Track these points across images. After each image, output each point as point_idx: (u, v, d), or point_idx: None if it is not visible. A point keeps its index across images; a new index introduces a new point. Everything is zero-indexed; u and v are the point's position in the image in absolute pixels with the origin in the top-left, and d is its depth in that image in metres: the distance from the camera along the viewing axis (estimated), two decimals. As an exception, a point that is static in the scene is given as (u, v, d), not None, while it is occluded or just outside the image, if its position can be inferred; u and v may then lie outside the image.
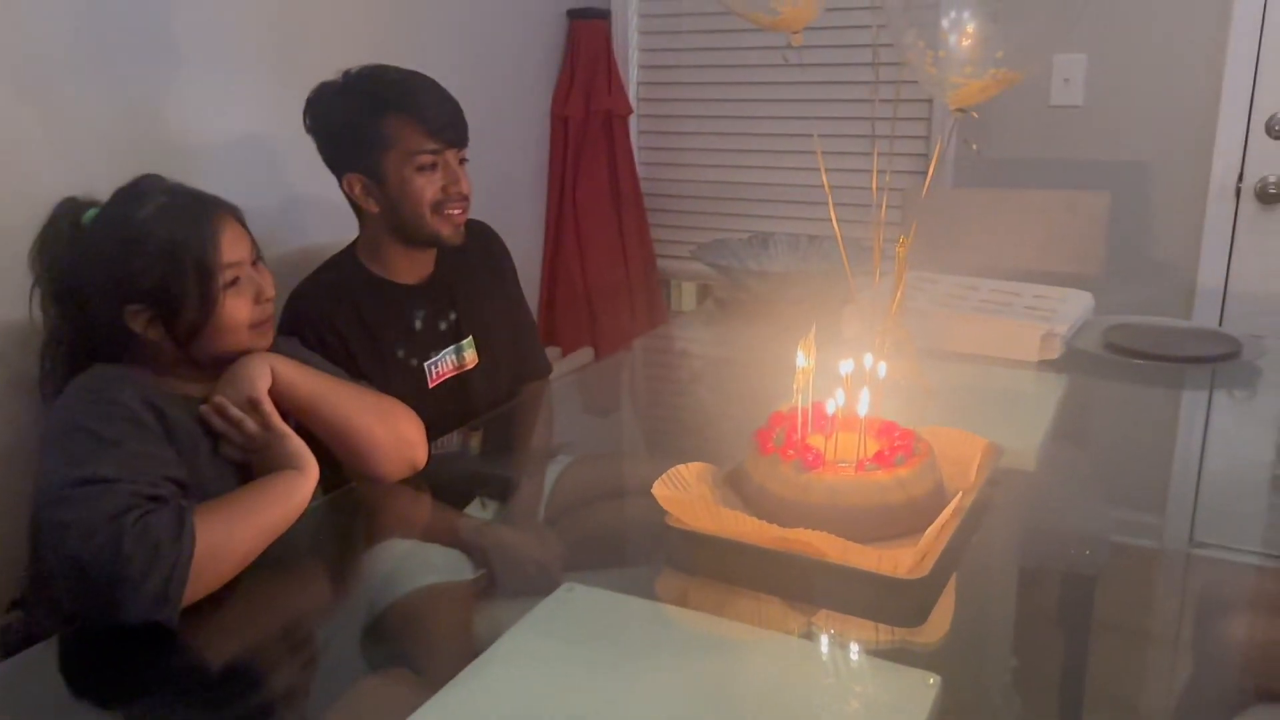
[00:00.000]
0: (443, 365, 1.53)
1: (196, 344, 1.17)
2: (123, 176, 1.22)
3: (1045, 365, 1.66)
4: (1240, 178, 2.31)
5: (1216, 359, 1.64)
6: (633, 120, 2.98)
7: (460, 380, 1.55)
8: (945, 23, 1.23)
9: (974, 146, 1.44)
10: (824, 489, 1.07)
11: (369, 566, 1.25)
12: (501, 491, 1.48)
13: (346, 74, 1.47)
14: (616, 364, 2.00)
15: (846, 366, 1.20)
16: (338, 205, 1.53)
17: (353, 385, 1.28)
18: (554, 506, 1.51)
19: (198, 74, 1.78)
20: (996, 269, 2.11)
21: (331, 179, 1.51)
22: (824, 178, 1.52)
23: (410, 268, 1.53)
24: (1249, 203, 2.32)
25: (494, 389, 1.59)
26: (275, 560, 1.10)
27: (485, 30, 2.59)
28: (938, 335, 1.73)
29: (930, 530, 1.01)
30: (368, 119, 1.43)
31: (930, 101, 2.56)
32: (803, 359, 1.16)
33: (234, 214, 1.22)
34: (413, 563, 1.26)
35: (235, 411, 1.16)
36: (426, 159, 1.45)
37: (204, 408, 1.18)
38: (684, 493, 1.11)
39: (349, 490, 1.30)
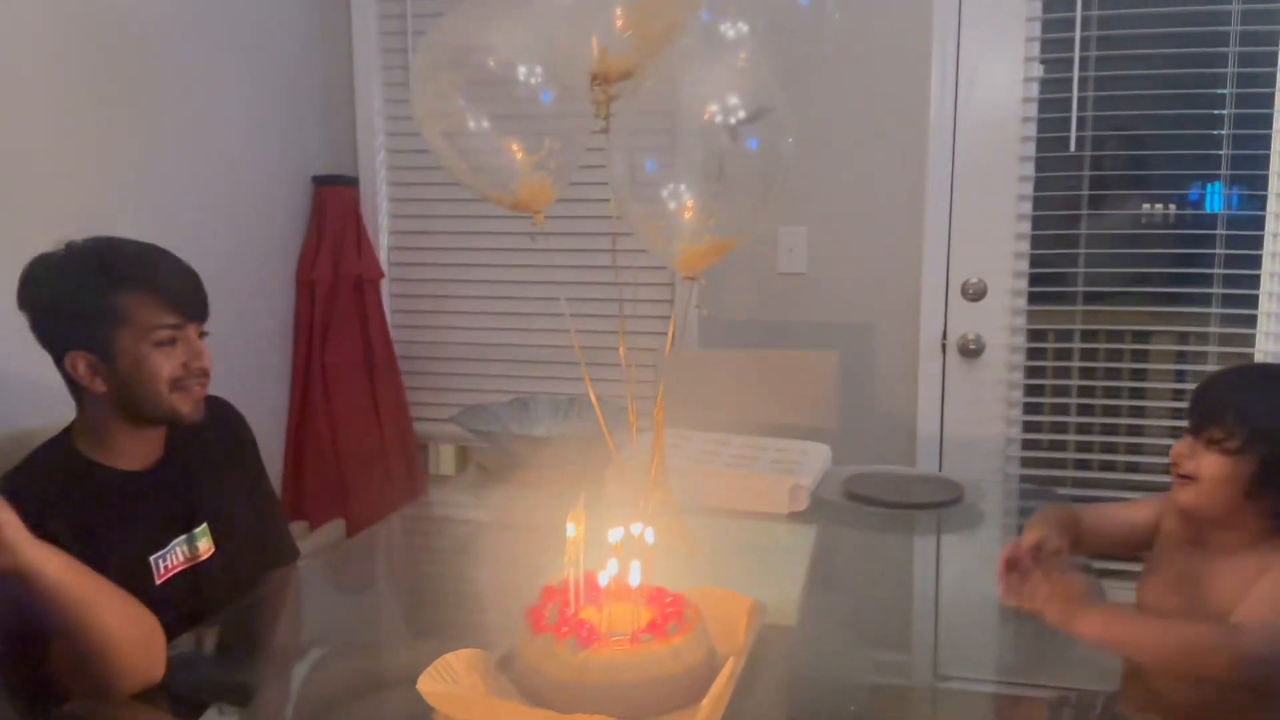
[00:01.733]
0: (173, 558, 1.38)
1: None
2: None
3: (795, 517, 1.74)
4: (945, 335, 2.59)
5: (943, 504, 1.78)
6: (386, 284, 2.95)
7: (193, 573, 1.41)
8: (665, 194, 1.33)
9: (705, 311, 1.54)
10: (600, 667, 1.05)
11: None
12: (242, 697, 1.34)
13: (70, 245, 1.36)
14: (373, 537, 1.89)
15: (616, 534, 1.20)
16: (50, 385, 1.38)
17: (106, 583, 1.13)
18: (303, 710, 1.38)
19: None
20: (741, 425, 2.22)
21: (44, 356, 1.37)
22: (575, 342, 1.56)
23: (137, 452, 1.39)
24: (954, 357, 2.60)
25: (233, 581, 1.45)
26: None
27: (226, 195, 2.50)
28: (693, 492, 1.77)
29: (706, 702, 1.00)
30: (99, 293, 1.32)
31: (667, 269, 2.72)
32: (572, 529, 1.15)
33: None
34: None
35: None
36: (165, 334, 1.35)
37: None
38: (453, 686, 1.05)
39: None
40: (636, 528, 1.21)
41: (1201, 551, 1.28)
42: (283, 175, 2.75)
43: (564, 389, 2.74)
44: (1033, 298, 2.54)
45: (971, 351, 2.57)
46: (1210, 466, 1.23)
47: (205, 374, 1.39)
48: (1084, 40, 2.37)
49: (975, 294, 2.56)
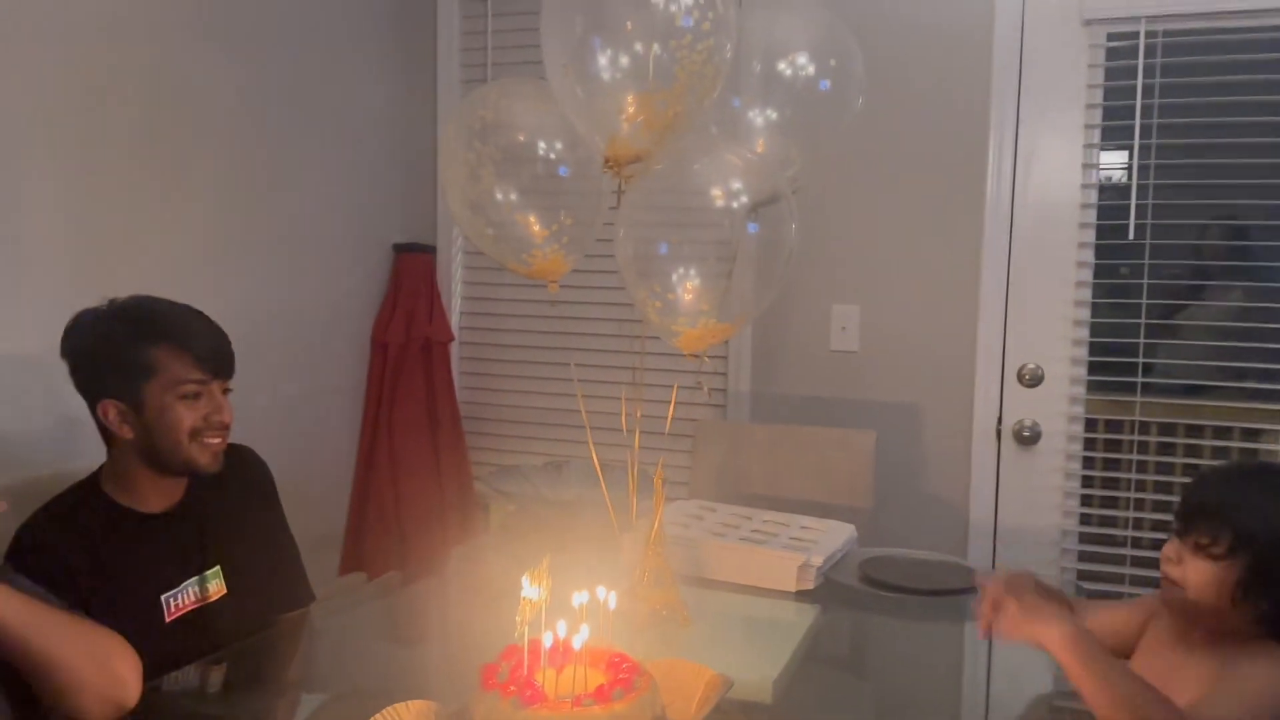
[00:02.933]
0: (183, 598, 1.48)
1: None
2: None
3: (802, 595, 1.72)
4: (1000, 421, 2.54)
5: (957, 592, 1.74)
6: (455, 347, 3.08)
7: (203, 613, 1.50)
8: (666, 275, 1.37)
9: (707, 390, 1.57)
10: (538, 726, 1.07)
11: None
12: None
13: (112, 302, 1.50)
14: (383, 589, 1.95)
15: (580, 598, 1.23)
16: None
17: (62, 615, 1.22)
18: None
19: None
20: (775, 500, 2.22)
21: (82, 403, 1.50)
22: (582, 407, 1.61)
23: (158, 495, 1.51)
24: (1009, 444, 2.54)
25: (242, 621, 1.53)
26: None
27: (312, 260, 2.69)
28: (704, 564, 1.79)
29: (630, 768, 1.01)
30: (134, 347, 1.45)
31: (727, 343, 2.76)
32: (531, 590, 1.19)
33: None
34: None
35: None
36: (191, 388, 1.46)
37: None
38: (397, 732, 1.09)
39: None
40: (601, 592, 1.24)
41: (1187, 649, 1.23)
42: (366, 242, 2.92)
43: (620, 456, 2.78)
44: (1092, 386, 2.47)
45: (1026, 439, 2.51)
46: (1196, 572, 1.18)
47: (225, 427, 1.50)
48: (1144, 128, 2.33)
49: (1032, 380, 2.51)
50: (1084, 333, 2.46)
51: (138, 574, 1.44)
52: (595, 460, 1.66)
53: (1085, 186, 2.43)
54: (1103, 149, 2.43)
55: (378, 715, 1.10)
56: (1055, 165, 2.46)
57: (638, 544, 1.73)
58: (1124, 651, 1.34)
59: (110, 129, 2.07)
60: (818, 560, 1.76)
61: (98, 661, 1.21)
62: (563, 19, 1.32)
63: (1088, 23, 2.39)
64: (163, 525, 1.50)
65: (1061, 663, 1.14)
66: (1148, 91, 2.32)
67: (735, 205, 1.39)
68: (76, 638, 1.21)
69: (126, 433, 1.45)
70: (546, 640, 1.15)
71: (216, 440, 1.49)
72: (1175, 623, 1.27)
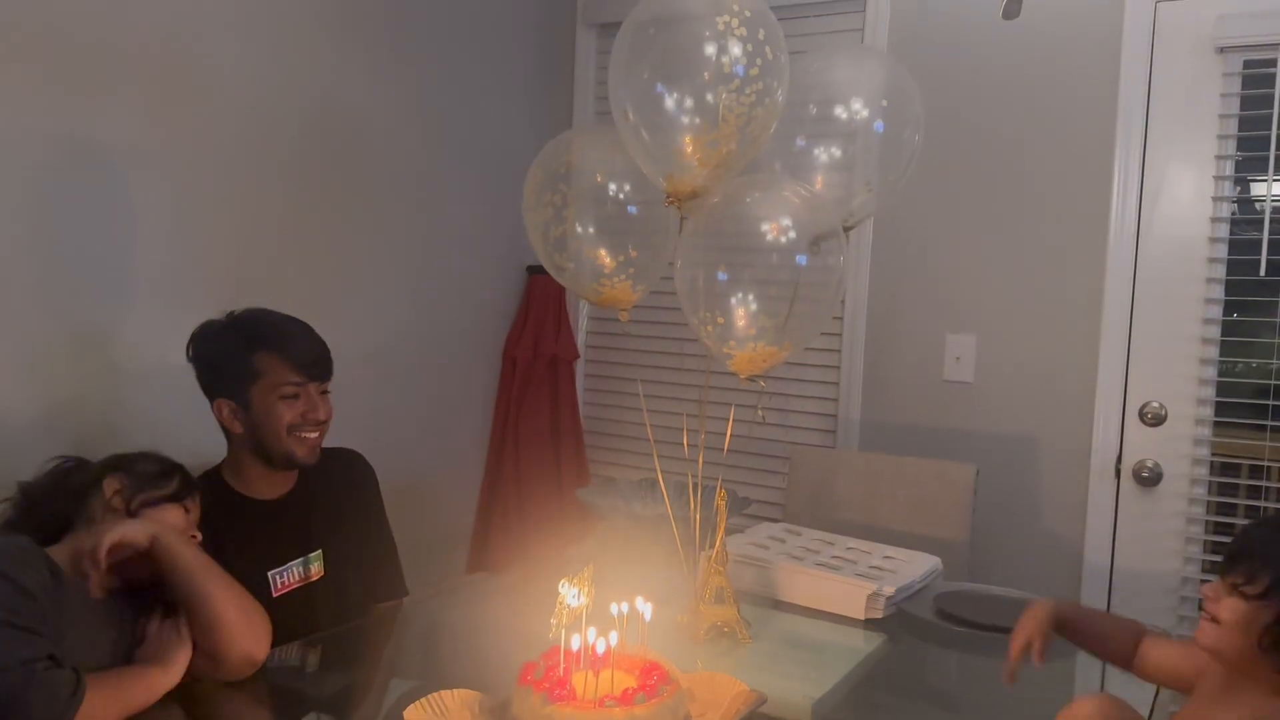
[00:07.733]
0: (289, 576, 1.67)
1: None
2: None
3: (872, 624, 1.74)
4: (1119, 460, 2.45)
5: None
6: (581, 364, 3.23)
7: (306, 591, 1.68)
8: (727, 304, 1.44)
9: (762, 416, 1.62)
10: (562, 721, 1.17)
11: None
12: (337, 709, 1.56)
13: (230, 314, 1.71)
14: (474, 588, 2.07)
15: (620, 608, 1.32)
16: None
17: (222, 570, 1.42)
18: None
19: (146, 307, 2.03)
20: (869, 529, 2.23)
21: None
22: (647, 420, 1.69)
23: (269, 485, 1.70)
24: (1128, 483, 2.45)
25: (340, 603, 1.71)
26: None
27: (450, 280, 2.89)
28: (777, 586, 1.84)
29: (636, 766, 1.09)
30: (244, 354, 1.65)
31: (838, 368, 2.78)
32: (574, 596, 1.28)
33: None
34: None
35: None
36: (290, 389, 1.65)
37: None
38: (439, 718, 1.21)
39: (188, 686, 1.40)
40: (640, 603, 1.33)
41: (1222, 697, 1.20)
42: (501, 263, 3.10)
43: (737, 477, 2.83)
44: (1218, 427, 2.35)
45: (1147, 480, 2.41)
46: (1229, 610, 1.16)
47: (320, 423, 1.68)
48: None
49: (1154, 419, 2.41)
50: (1211, 372, 2.35)
51: (250, 552, 1.64)
52: (660, 480, 1.75)
53: (1215, 220, 2.32)
54: (1236, 180, 2.32)
55: (422, 700, 1.23)
56: (1184, 196, 2.36)
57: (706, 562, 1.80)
58: (1183, 688, 1.32)
59: (272, 153, 2.29)
60: (889, 590, 1.77)
61: (249, 616, 1.40)
62: (629, 69, 1.42)
63: (1221, 50, 2.29)
64: (273, 511, 1.69)
65: None
66: (1285, 121, 2.21)
67: (785, 240, 1.45)
68: (237, 592, 1.40)
69: (238, 429, 1.66)
70: (574, 644, 1.24)
71: (313, 435, 1.67)
72: (1218, 668, 1.24)
